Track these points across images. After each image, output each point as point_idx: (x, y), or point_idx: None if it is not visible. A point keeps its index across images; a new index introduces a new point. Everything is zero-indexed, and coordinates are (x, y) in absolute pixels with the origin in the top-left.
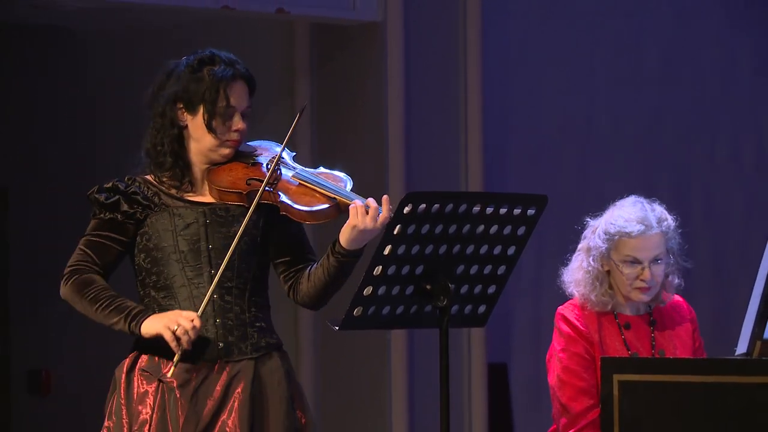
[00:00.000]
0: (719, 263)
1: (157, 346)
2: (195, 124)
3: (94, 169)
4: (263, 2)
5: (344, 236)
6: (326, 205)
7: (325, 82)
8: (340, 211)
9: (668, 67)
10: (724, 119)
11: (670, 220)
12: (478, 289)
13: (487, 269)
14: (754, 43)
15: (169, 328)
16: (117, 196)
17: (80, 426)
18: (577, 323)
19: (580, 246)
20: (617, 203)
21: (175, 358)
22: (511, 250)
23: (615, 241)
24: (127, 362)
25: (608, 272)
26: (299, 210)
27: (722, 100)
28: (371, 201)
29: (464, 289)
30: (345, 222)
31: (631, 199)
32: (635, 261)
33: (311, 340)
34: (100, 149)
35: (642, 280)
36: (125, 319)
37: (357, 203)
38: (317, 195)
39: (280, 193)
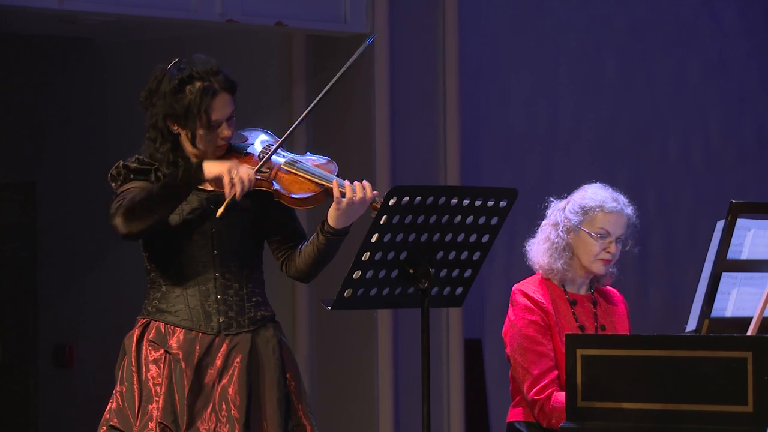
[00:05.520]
0: (671, 250)
1: (165, 313)
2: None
3: (110, 166)
4: (264, 16)
5: (331, 217)
6: (315, 192)
7: (320, 87)
8: (328, 195)
9: (624, 74)
10: (675, 122)
11: (632, 209)
12: (455, 272)
13: (464, 255)
14: (702, 54)
15: (229, 172)
16: (147, 166)
17: (99, 394)
18: (534, 296)
19: (545, 222)
20: (585, 186)
21: (227, 201)
22: (485, 238)
23: (592, 214)
24: (136, 332)
25: (570, 244)
26: (291, 197)
27: (673, 104)
28: (352, 185)
29: (443, 272)
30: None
31: (598, 184)
32: (606, 234)
33: (307, 318)
34: (116, 149)
35: (608, 252)
36: (184, 172)
37: (340, 185)
38: (307, 182)
39: (273, 182)
